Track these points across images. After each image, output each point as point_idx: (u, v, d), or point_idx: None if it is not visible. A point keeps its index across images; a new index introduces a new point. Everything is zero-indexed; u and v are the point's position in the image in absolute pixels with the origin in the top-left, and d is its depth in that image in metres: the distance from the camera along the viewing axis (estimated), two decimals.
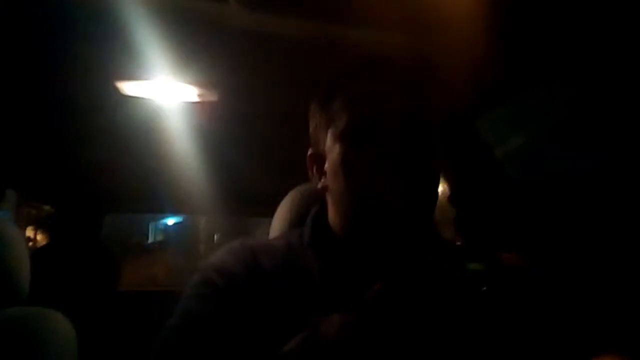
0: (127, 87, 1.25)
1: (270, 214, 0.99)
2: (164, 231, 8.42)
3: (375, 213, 0.68)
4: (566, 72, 1.14)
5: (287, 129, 1.43)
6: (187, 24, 0.99)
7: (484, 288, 0.58)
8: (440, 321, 0.59)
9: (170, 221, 7.88)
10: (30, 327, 0.92)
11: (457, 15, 0.89)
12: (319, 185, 0.78)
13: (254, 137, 1.58)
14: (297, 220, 0.89)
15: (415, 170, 0.68)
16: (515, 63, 1.10)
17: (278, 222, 0.95)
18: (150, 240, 8.34)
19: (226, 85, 1.27)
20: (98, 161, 1.71)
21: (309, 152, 0.80)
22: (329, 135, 0.74)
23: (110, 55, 1.08)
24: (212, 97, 1.30)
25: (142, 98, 1.30)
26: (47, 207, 2.22)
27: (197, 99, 1.31)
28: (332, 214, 0.77)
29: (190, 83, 1.24)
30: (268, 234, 0.96)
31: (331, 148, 0.73)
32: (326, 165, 0.75)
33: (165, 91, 1.28)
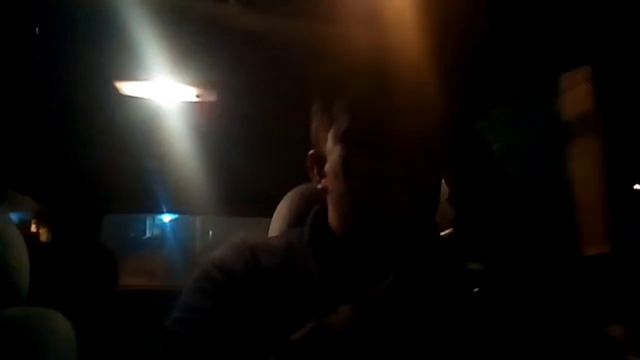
0: (127, 87, 1.25)
1: (270, 214, 0.99)
2: (161, 227, 8.46)
3: (375, 215, 0.68)
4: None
5: (286, 129, 1.43)
6: (187, 24, 0.99)
7: (476, 289, 0.59)
8: (439, 320, 0.60)
9: (167, 217, 7.91)
10: (30, 327, 0.92)
11: (456, 15, 0.90)
12: (319, 186, 0.78)
13: (253, 137, 1.58)
14: (296, 220, 0.89)
15: (416, 172, 0.68)
16: (515, 62, 1.11)
17: (278, 222, 0.95)
18: (147, 235, 8.39)
19: (225, 85, 1.27)
20: (97, 161, 1.71)
21: (310, 153, 0.80)
22: (329, 136, 0.74)
23: (110, 55, 1.08)
24: (211, 97, 1.30)
25: (142, 98, 1.30)
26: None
27: (196, 99, 1.31)
28: (332, 215, 0.77)
29: (189, 83, 1.24)
30: (265, 232, 0.96)
31: (331, 149, 0.73)
32: (326, 166, 0.75)
33: (164, 91, 1.28)
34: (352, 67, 0.75)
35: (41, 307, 0.98)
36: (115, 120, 1.40)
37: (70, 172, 1.86)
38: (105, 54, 1.08)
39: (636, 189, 1.12)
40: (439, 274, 0.60)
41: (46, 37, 1.03)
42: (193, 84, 1.24)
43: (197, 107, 1.36)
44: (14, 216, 2.34)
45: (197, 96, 1.30)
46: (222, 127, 1.50)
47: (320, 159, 0.77)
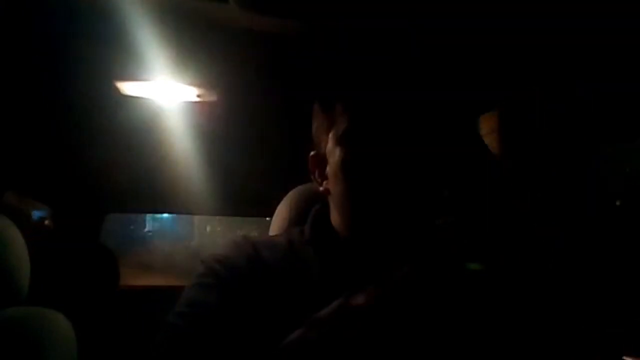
0: (127, 87, 1.25)
1: (270, 214, 0.99)
2: (160, 221, 8.53)
3: (376, 218, 0.68)
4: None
5: (286, 129, 1.43)
6: (188, 24, 0.99)
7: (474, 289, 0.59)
8: (441, 320, 0.60)
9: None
10: (30, 327, 0.92)
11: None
12: (321, 189, 0.78)
13: (254, 137, 1.58)
14: (297, 220, 0.89)
15: (417, 174, 0.68)
16: (514, 62, 1.11)
17: (278, 222, 0.95)
18: (147, 229, 8.47)
19: (226, 85, 1.27)
20: (98, 161, 1.70)
21: (311, 154, 0.80)
22: (330, 137, 0.74)
23: (110, 55, 1.08)
24: (211, 97, 1.30)
25: (142, 98, 1.30)
26: None
27: (196, 99, 1.31)
28: (334, 217, 0.77)
29: (190, 83, 1.24)
30: (259, 228, 0.97)
31: (332, 151, 0.73)
32: (328, 167, 0.75)
33: (165, 91, 1.28)
34: (353, 69, 0.75)
35: (42, 307, 0.98)
36: (116, 120, 1.40)
37: (70, 172, 1.86)
38: (106, 54, 1.08)
39: None
40: (439, 274, 0.60)
41: (47, 37, 1.03)
42: (194, 84, 1.24)
43: (198, 107, 1.36)
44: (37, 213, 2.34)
45: (198, 96, 1.30)
46: (223, 127, 1.50)
47: (322, 161, 0.77)
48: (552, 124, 1.24)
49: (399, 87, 0.71)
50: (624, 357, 0.80)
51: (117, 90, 1.25)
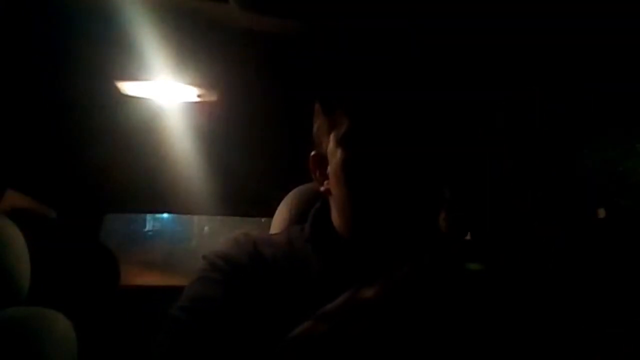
0: (128, 87, 1.25)
1: (271, 214, 0.99)
2: (160, 221, 8.61)
3: (377, 218, 0.69)
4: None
5: (287, 129, 1.44)
6: (188, 24, 0.99)
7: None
8: (441, 321, 0.60)
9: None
10: (30, 327, 0.92)
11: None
12: (322, 189, 0.78)
13: (254, 138, 1.58)
14: (297, 220, 0.89)
15: (417, 175, 0.68)
16: (515, 62, 1.11)
17: (278, 221, 0.95)
18: (147, 228, 8.54)
19: (226, 85, 1.27)
20: (98, 161, 1.70)
21: (312, 153, 0.80)
22: (331, 138, 0.74)
23: (110, 55, 1.08)
24: (212, 97, 1.30)
25: (143, 98, 1.30)
26: None
27: (197, 99, 1.31)
28: (334, 217, 0.78)
29: (190, 83, 1.24)
30: (257, 228, 0.97)
31: (333, 152, 0.73)
32: (328, 168, 0.75)
33: (165, 91, 1.28)
34: (353, 70, 0.75)
35: (42, 307, 0.98)
36: (116, 120, 1.39)
37: (70, 171, 1.86)
38: (106, 54, 1.08)
39: None
40: (440, 274, 0.60)
41: (47, 37, 1.03)
42: (194, 84, 1.24)
43: (199, 107, 1.36)
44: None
45: (199, 96, 1.30)
46: (223, 127, 1.50)
47: (323, 161, 0.77)
48: (552, 124, 1.24)
49: (399, 88, 0.71)
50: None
51: (117, 90, 1.25)
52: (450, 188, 0.65)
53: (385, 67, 0.74)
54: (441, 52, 0.95)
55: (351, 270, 0.66)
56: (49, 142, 1.60)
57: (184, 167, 1.63)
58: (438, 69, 0.78)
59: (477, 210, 0.65)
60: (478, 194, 0.68)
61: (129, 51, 1.02)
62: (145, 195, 2.04)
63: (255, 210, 2.16)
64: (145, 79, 1.21)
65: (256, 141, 1.61)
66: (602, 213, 1.28)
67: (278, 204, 0.98)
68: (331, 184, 0.75)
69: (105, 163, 1.72)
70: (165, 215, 8.16)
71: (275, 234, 0.86)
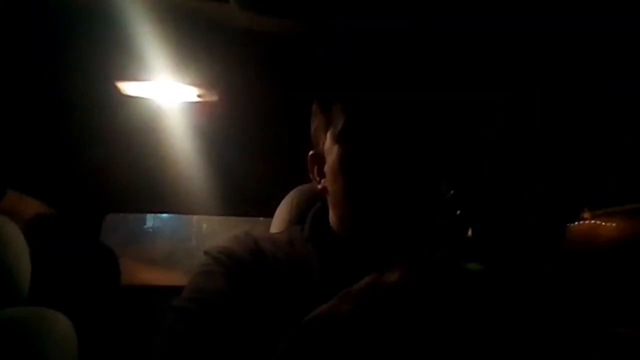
0: (128, 87, 1.25)
1: (270, 214, 0.99)
2: (160, 219, 8.70)
3: (373, 215, 0.68)
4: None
5: (287, 129, 1.43)
6: (188, 24, 0.99)
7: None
8: (442, 320, 0.60)
9: None
10: (30, 327, 0.92)
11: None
12: (319, 187, 0.78)
13: (254, 138, 1.58)
14: (297, 220, 0.89)
15: (414, 172, 0.68)
16: (515, 62, 1.11)
17: (278, 222, 0.95)
18: (147, 225, 8.64)
19: (226, 85, 1.27)
20: (98, 161, 1.70)
21: (310, 153, 0.80)
22: (328, 136, 0.74)
23: (110, 55, 1.08)
24: (212, 97, 1.30)
25: (143, 98, 1.30)
26: None
27: (197, 99, 1.31)
28: (331, 215, 0.78)
29: (190, 83, 1.24)
30: (253, 227, 0.97)
31: (330, 149, 0.73)
32: (326, 166, 0.75)
33: (165, 91, 1.28)
34: (350, 68, 0.76)
35: (42, 307, 0.98)
36: (116, 120, 1.40)
37: (70, 171, 1.86)
38: (106, 54, 1.08)
39: None
40: (441, 274, 0.60)
41: (47, 37, 1.03)
42: (194, 84, 1.24)
43: (199, 107, 1.36)
44: None
45: (199, 96, 1.30)
46: (223, 127, 1.50)
47: (320, 160, 0.77)
48: (551, 122, 1.24)
49: (397, 87, 0.71)
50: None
51: (117, 90, 1.25)
52: (448, 184, 0.65)
53: (383, 65, 0.74)
54: (441, 51, 0.95)
55: (350, 269, 0.66)
56: (49, 142, 1.60)
57: (184, 167, 1.62)
58: (436, 68, 0.78)
59: (476, 207, 0.65)
60: (477, 190, 0.68)
61: (129, 51, 1.02)
62: (145, 195, 2.04)
63: (255, 210, 2.16)
64: (145, 79, 1.21)
65: (256, 141, 1.61)
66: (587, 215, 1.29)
67: (278, 204, 0.98)
68: (328, 182, 0.75)
69: (105, 163, 1.72)
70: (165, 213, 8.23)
71: (276, 234, 0.86)
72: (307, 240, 0.77)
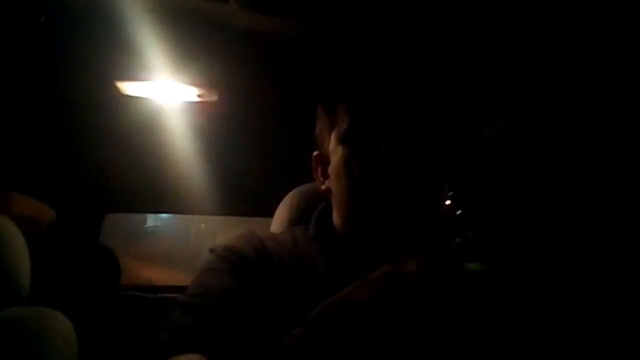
0: (128, 87, 1.25)
1: (271, 214, 0.99)
2: (160, 219, 8.76)
3: (377, 216, 0.69)
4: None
5: (286, 129, 1.44)
6: (188, 24, 0.99)
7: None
8: (442, 319, 0.60)
9: None
10: (30, 327, 0.92)
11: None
12: (323, 187, 0.78)
13: (254, 137, 1.58)
14: (297, 220, 0.89)
15: (417, 173, 0.68)
16: (515, 62, 1.11)
17: (278, 222, 0.95)
18: (148, 224, 8.70)
19: (226, 85, 1.27)
20: (98, 161, 1.70)
21: (315, 154, 0.80)
22: (332, 137, 0.74)
23: (111, 55, 1.08)
24: (212, 97, 1.30)
25: (143, 98, 1.30)
26: None
27: (197, 99, 1.31)
28: (335, 215, 0.78)
29: (190, 83, 1.24)
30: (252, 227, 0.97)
31: (334, 150, 0.74)
32: (330, 167, 0.75)
33: (165, 91, 1.28)
34: (354, 69, 0.76)
35: (42, 307, 0.98)
36: (116, 120, 1.40)
37: (71, 171, 1.86)
38: (107, 54, 1.08)
39: None
40: (441, 274, 0.60)
41: (47, 37, 1.03)
42: (194, 84, 1.24)
43: (199, 107, 1.36)
44: None
45: (199, 96, 1.30)
46: (223, 127, 1.50)
47: (325, 160, 0.77)
48: (552, 122, 1.24)
49: (399, 87, 0.71)
50: None
51: (117, 90, 1.25)
52: (450, 184, 0.65)
53: (385, 65, 0.74)
54: (443, 51, 0.95)
55: (353, 268, 0.67)
56: (49, 142, 1.60)
57: (184, 167, 1.63)
58: (438, 68, 0.78)
59: (477, 207, 0.65)
60: (478, 190, 0.68)
61: (129, 51, 1.02)
62: (145, 195, 2.04)
63: (255, 210, 2.16)
64: (145, 79, 1.21)
65: (256, 141, 1.61)
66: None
67: (277, 204, 0.98)
68: (332, 183, 0.75)
69: (105, 163, 1.72)
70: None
71: (278, 234, 0.86)
72: (312, 240, 0.77)
